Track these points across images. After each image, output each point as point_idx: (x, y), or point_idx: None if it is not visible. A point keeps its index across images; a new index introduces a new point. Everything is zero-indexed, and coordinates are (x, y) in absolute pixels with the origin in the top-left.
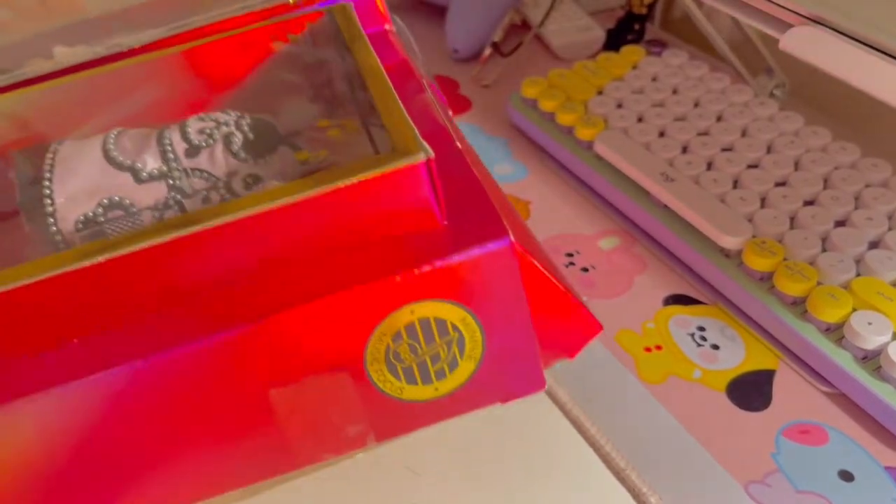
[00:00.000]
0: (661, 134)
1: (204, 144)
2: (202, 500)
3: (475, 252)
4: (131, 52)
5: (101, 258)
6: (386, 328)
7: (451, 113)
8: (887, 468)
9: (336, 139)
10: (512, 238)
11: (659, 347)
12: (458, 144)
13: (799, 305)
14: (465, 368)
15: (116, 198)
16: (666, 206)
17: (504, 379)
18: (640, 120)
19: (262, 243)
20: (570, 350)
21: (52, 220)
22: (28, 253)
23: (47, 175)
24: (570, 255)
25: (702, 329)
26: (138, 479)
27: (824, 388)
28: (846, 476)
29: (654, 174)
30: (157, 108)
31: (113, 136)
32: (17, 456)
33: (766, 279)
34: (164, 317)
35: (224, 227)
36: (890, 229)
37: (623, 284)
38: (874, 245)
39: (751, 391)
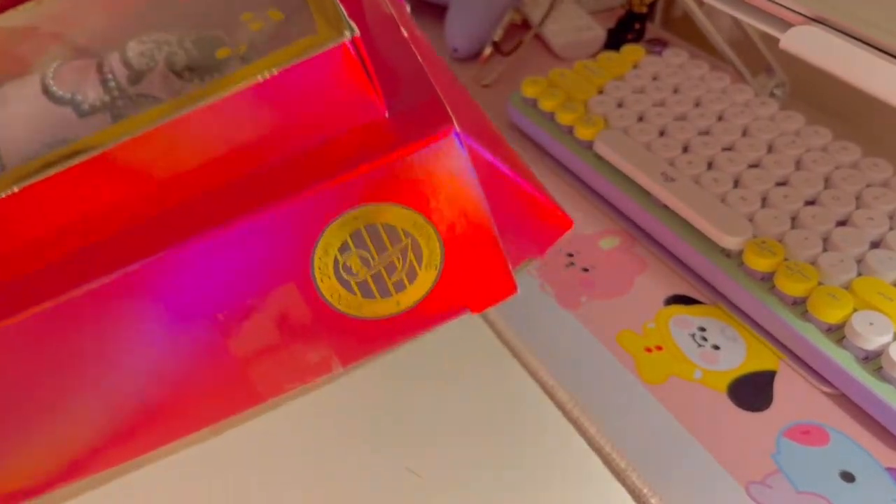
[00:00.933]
0: (662, 133)
1: (145, 67)
2: (156, 447)
3: (417, 144)
4: None
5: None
6: (330, 238)
7: (408, 9)
8: (888, 469)
9: (264, 32)
10: (457, 127)
11: (659, 348)
12: (405, 32)
13: (800, 305)
14: (426, 278)
15: (60, 135)
16: (666, 206)
17: (471, 286)
18: (640, 119)
19: (175, 157)
20: (540, 247)
21: None
22: None
23: None
24: (570, 255)
25: (702, 329)
26: (87, 430)
27: (825, 389)
28: (847, 477)
29: (654, 174)
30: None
31: (52, 68)
32: None
33: (767, 279)
34: (81, 248)
35: (127, 145)
36: (891, 229)
37: (623, 284)
38: (875, 245)
39: (752, 392)
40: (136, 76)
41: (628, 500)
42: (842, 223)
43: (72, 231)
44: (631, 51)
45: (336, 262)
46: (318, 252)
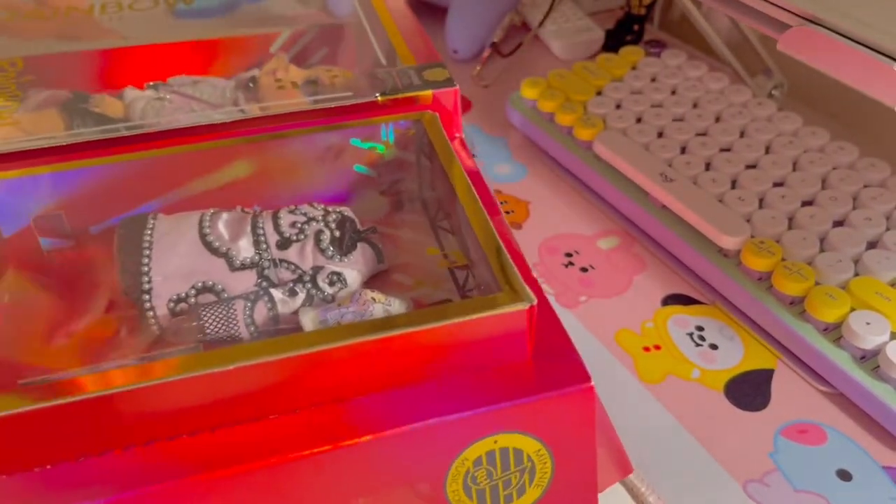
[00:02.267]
0: (660, 134)
1: (295, 238)
2: None
3: (560, 393)
4: (214, 128)
5: (231, 366)
6: (470, 453)
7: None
8: (885, 467)
9: (405, 236)
10: (593, 382)
11: (658, 347)
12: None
13: (797, 305)
14: (531, 495)
15: (210, 282)
16: (665, 207)
17: None
18: (638, 120)
19: (375, 366)
20: (602, 484)
21: (147, 296)
22: (123, 333)
23: (146, 252)
24: (570, 254)
25: (700, 329)
26: None
27: (822, 388)
28: (844, 475)
29: (653, 174)
30: (236, 191)
31: (208, 218)
32: None
33: (765, 279)
34: (280, 427)
35: (347, 349)
36: (888, 229)
37: (622, 284)
38: (872, 245)
39: (749, 391)
40: (285, 243)
41: (626, 498)
42: (839, 223)
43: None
44: (629, 52)
45: (468, 472)
46: (457, 463)
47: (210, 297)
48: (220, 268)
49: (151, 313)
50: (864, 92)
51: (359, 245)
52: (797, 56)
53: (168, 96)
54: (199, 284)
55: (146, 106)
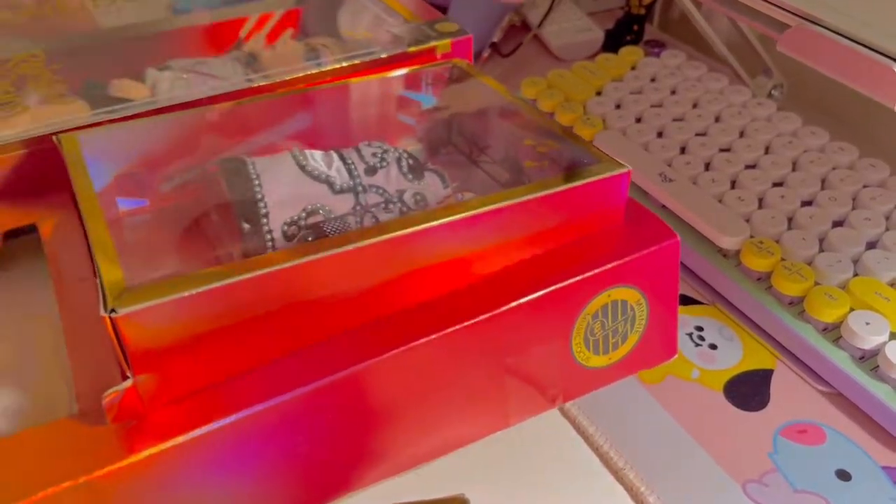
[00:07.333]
0: (660, 134)
1: (379, 165)
2: (439, 456)
3: (657, 247)
4: (254, 90)
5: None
6: (590, 308)
7: None
8: (885, 468)
9: (451, 171)
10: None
11: None
12: None
13: (797, 305)
14: (631, 341)
15: (318, 205)
16: (664, 206)
17: (652, 349)
18: (638, 120)
19: (500, 234)
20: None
21: (265, 220)
22: (247, 248)
23: (256, 182)
24: None
25: (700, 329)
26: (406, 436)
27: (822, 388)
28: (844, 475)
29: (652, 174)
30: (296, 140)
31: (298, 154)
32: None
33: (764, 279)
34: (433, 308)
35: (461, 221)
36: (887, 230)
37: None
38: (872, 245)
39: (748, 391)
40: (371, 170)
41: (626, 498)
42: (838, 224)
43: (416, 293)
44: (629, 52)
45: (588, 325)
46: (580, 318)
47: (318, 218)
48: (323, 192)
49: (269, 236)
50: (864, 92)
51: (426, 174)
52: (797, 56)
53: (185, 75)
54: (309, 207)
55: (173, 83)
